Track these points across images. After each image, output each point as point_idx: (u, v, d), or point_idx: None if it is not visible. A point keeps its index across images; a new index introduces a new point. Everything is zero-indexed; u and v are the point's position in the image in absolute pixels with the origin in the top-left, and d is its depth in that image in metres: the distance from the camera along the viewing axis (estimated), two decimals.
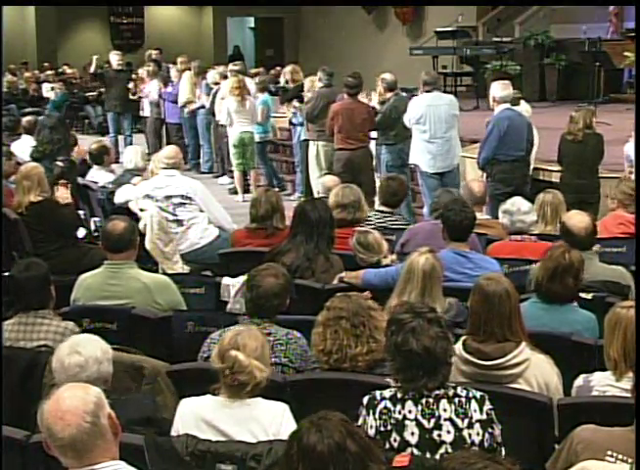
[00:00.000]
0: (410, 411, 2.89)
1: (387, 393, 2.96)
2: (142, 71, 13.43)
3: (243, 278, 4.56)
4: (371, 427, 2.92)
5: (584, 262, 4.13)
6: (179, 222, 6.46)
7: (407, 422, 2.88)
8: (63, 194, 6.31)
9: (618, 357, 3.30)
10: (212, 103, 11.62)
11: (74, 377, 3.03)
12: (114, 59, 13.32)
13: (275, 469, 2.71)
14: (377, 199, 6.60)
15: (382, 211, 6.21)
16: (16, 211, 5.93)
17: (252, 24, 25.03)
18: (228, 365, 3.03)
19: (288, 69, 11.41)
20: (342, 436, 2.31)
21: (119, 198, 6.86)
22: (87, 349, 3.13)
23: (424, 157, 8.17)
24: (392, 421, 2.89)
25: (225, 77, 11.56)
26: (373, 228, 5.53)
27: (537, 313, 3.99)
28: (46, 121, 8.11)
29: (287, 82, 11.62)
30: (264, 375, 3.08)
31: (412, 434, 2.87)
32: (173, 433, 3.04)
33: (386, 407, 2.92)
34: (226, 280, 4.88)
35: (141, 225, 6.19)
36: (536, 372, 3.44)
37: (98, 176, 7.67)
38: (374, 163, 9.48)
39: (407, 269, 4.07)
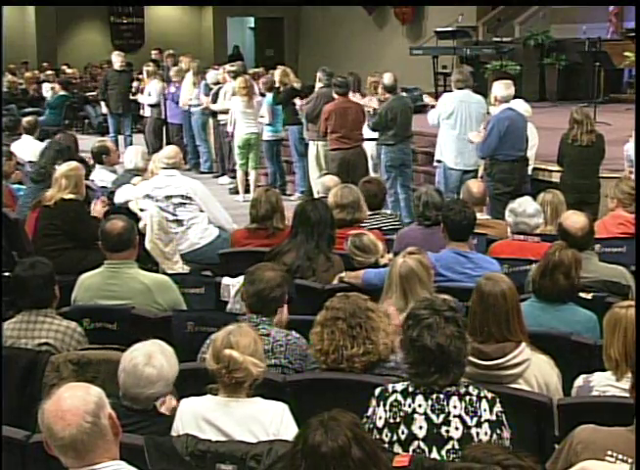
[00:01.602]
0: (420, 405, 2.91)
1: (399, 386, 2.98)
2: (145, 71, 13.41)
3: (243, 278, 4.56)
4: (380, 418, 2.94)
5: (580, 262, 4.13)
6: (179, 222, 6.46)
7: (416, 416, 2.90)
8: (97, 208, 6.31)
9: (619, 358, 3.30)
10: (213, 103, 11.62)
11: (138, 386, 3.05)
12: (117, 60, 13.28)
13: (275, 469, 2.71)
14: None
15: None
16: (46, 203, 5.93)
17: (252, 24, 25.03)
18: (224, 365, 3.05)
19: (277, 71, 11.32)
20: (347, 440, 2.31)
21: (119, 198, 6.86)
22: (163, 366, 3.11)
23: (451, 153, 8.14)
24: (402, 414, 2.91)
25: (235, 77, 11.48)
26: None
27: (535, 313, 3.99)
28: (54, 145, 7.86)
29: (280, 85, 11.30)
30: (260, 370, 3.10)
31: (420, 428, 2.89)
32: (173, 433, 3.05)
33: (396, 400, 2.94)
34: (226, 280, 4.88)
35: (141, 225, 6.19)
36: (536, 372, 3.44)
37: (100, 176, 7.67)
38: (372, 163, 9.49)
39: (388, 273, 4.10)
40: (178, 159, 6.70)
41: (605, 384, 3.35)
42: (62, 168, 6.00)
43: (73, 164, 6.16)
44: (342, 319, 3.41)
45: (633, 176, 7.02)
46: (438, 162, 8.41)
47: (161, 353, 3.16)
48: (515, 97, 8.05)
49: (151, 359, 3.11)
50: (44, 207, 5.91)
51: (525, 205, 5.47)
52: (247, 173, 10.92)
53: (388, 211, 6.32)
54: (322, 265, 4.95)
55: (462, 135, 8.07)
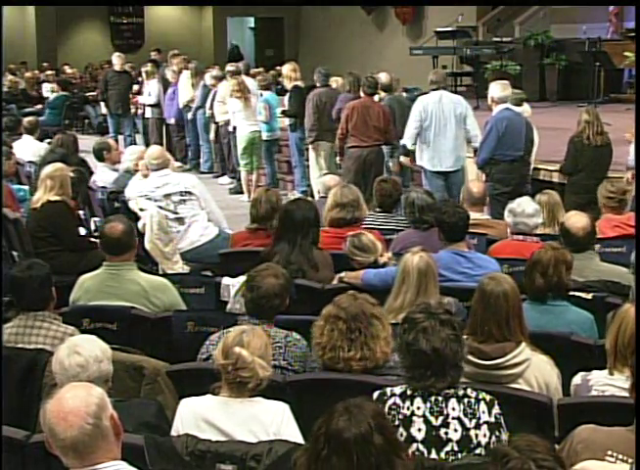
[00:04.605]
0: (419, 408, 2.91)
1: (397, 389, 2.98)
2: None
3: (243, 278, 4.56)
4: None
5: (568, 262, 4.11)
6: (180, 220, 6.45)
7: (415, 418, 2.90)
8: None
9: (610, 350, 3.32)
10: (211, 104, 11.62)
11: (76, 377, 3.03)
12: (118, 61, 13.25)
13: (275, 469, 2.71)
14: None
15: (377, 213, 6.15)
16: (33, 206, 5.94)
17: (252, 24, 25.05)
18: (231, 361, 3.04)
19: (287, 66, 11.26)
20: (370, 427, 2.32)
21: (129, 193, 6.84)
22: (86, 348, 3.14)
23: (428, 156, 8.09)
24: (400, 417, 2.91)
25: (220, 80, 11.53)
26: (370, 229, 5.50)
27: (532, 315, 3.97)
28: (49, 156, 7.73)
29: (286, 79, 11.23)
30: (266, 374, 3.09)
31: (419, 430, 2.89)
32: (173, 433, 3.04)
33: (395, 403, 2.94)
34: (226, 280, 4.88)
35: (140, 225, 6.18)
36: (536, 372, 3.44)
37: (101, 175, 7.67)
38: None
39: (402, 269, 4.09)
40: (165, 157, 6.67)
41: (604, 383, 3.35)
42: (47, 170, 6.01)
43: (58, 164, 6.16)
44: (343, 320, 3.39)
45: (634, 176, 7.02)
46: (419, 166, 8.32)
47: (83, 340, 3.21)
48: None
49: (73, 348, 3.13)
50: (32, 209, 5.94)
51: (523, 205, 5.45)
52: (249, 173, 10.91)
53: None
54: (307, 266, 4.91)
55: (438, 137, 7.98)
